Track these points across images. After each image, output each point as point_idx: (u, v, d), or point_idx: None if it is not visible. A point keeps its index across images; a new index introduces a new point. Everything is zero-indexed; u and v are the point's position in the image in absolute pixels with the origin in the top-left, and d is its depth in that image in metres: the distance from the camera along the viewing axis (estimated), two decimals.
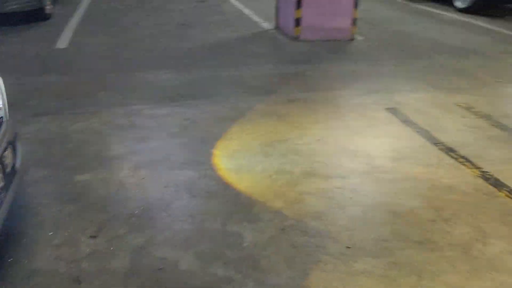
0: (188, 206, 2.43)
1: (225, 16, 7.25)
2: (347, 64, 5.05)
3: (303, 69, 4.79)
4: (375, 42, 5.96)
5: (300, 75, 4.63)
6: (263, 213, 2.38)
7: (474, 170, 2.86)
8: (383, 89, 4.26)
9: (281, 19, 6.25)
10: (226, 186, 2.62)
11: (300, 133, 3.30)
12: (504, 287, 1.92)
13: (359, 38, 6.01)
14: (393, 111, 3.74)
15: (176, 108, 3.69)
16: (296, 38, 5.77)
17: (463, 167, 2.90)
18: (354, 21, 5.85)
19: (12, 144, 2.08)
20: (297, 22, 5.70)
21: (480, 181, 2.74)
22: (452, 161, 2.97)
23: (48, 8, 6.62)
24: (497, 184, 2.70)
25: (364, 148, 3.11)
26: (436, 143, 3.20)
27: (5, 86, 2.17)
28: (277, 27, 6.38)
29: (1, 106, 2.07)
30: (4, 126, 2.03)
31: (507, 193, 2.61)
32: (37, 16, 6.44)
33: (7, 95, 2.16)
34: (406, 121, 3.55)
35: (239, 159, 2.92)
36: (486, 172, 2.83)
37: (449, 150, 3.10)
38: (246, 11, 7.61)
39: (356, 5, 5.74)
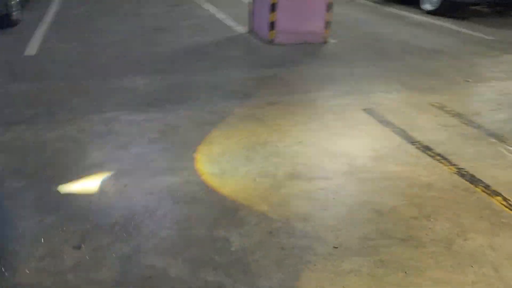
0: (173, 212, 2.40)
1: (199, 20, 7.22)
2: (322, 66, 5.12)
3: (279, 72, 4.82)
4: (348, 45, 6.06)
5: (277, 78, 4.66)
6: (249, 217, 2.38)
7: (451, 167, 2.95)
8: (358, 90, 4.34)
9: (255, 23, 6.28)
10: (210, 191, 2.60)
11: (280, 136, 3.32)
12: (486, 279, 1.99)
13: (332, 41, 6.10)
14: (369, 111, 3.82)
15: (155, 113, 3.65)
16: (270, 42, 5.81)
17: (440, 164, 2.98)
18: (327, 24, 5.94)
19: None
20: (272, 26, 5.73)
21: (457, 177, 2.83)
22: (429, 159, 3.05)
23: (15, 14, 6.42)
24: (473, 180, 2.80)
25: (344, 148, 3.16)
26: (413, 142, 3.28)
27: None
28: (251, 31, 6.40)
29: None
30: None
31: (483, 189, 2.71)
32: (3, 23, 6.24)
33: None
34: (383, 121, 3.63)
35: (221, 163, 2.91)
36: (462, 169, 2.93)
37: (425, 149, 3.18)
38: (220, 15, 7.61)
39: (329, 8, 5.83)
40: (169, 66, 4.90)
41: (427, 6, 8.55)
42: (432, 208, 2.51)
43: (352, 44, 6.12)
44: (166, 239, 2.19)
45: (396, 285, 1.94)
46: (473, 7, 8.98)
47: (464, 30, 7.29)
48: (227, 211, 2.42)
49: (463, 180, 2.79)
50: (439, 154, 3.11)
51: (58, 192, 2.54)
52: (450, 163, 3.00)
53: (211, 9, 8.19)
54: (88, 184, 2.63)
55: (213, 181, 2.71)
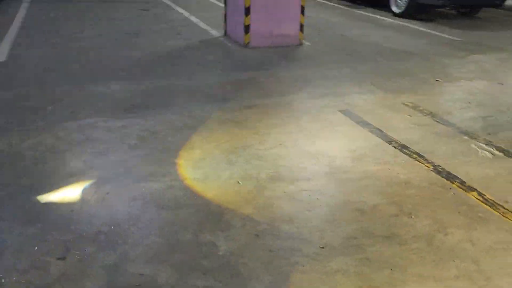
0: (158, 218, 2.38)
1: (172, 24, 7.18)
2: (297, 69, 5.18)
3: (255, 75, 4.85)
4: (322, 47, 6.16)
5: (254, 81, 4.68)
6: (234, 220, 2.39)
7: (427, 165, 3.04)
8: (334, 92, 4.42)
9: (229, 27, 6.29)
10: (194, 196, 2.59)
11: (260, 139, 3.34)
12: (467, 273, 2.07)
13: (306, 43, 6.19)
14: (346, 112, 3.89)
15: (133, 119, 3.61)
16: (246, 45, 5.84)
17: (417, 162, 3.07)
18: (302, 27, 6.02)
19: None
20: (246, 29, 5.76)
21: (434, 175, 2.92)
22: (406, 157, 3.14)
23: None
24: (449, 176, 2.89)
25: (323, 149, 3.21)
26: (390, 141, 3.37)
27: None
28: (226, 35, 6.41)
29: None
30: None
31: (459, 185, 2.80)
32: None
33: None
34: (360, 122, 3.71)
35: (204, 168, 2.91)
36: (438, 166, 3.02)
37: (402, 148, 3.27)
38: (193, 18, 7.59)
39: (303, 11, 5.91)
40: (144, 71, 4.85)
41: (396, 9, 8.79)
42: (411, 205, 2.58)
43: (325, 46, 6.22)
44: (153, 246, 2.17)
45: (383, 282, 1.98)
46: (439, 9, 9.28)
47: (431, 31, 7.53)
48: (212, 215, 2.42)
49: (440, 177, 2.89)
50: (415, 153, 3.20)
51: (37, 202, 2.48)
52: (427, 161, 3.09)
53: (184, 12, 8.16)
54: (68, 193, 2.57)
55: (196, 186, 2.70)
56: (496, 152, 3.27)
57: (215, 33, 6.68)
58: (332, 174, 2.89)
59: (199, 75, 4.76)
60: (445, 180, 2.86)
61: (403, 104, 4.15)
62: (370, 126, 3.62)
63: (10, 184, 2.65)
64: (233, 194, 2.64)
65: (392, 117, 3.85)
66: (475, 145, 3.38)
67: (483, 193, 2.72)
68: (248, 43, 5.83)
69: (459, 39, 7.07)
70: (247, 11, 5.69)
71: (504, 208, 2.58)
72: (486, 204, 2.61)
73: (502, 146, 3.36)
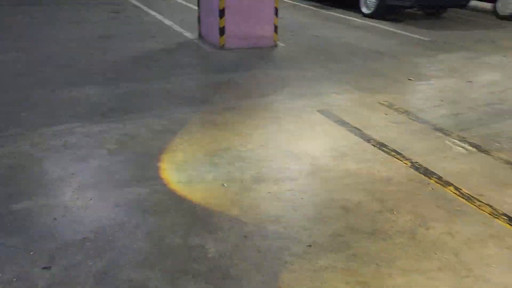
0: (145, 223, 2.36)
1: (146, 27, 7.10)
2: (273, 70, 5.22)
3: (233, 77, 4.86)
4: (296, 48, 6.23)
5: (231, 83, 4.69)
6: (222, 222, 2.39)
7: (405, 161, 3.13)
8: (311, 92, 4.48)
9: (204, 29, 6.28)
10: (179, 199, 2.58)
11: (242, 140, 3.36)
12: (449, 264, 2.14)
13: (281, 44, 6.25)
14: (324, 112, 3.95)
15: (111, 124, 3.55)
16: (221, 47, 5.84)
17: (395, 159, 3.16)
18: (276, 29, 6.07)
19: None
20: (221, 31, 5.77)
21: (412, 171, 3.01)
22: (385, 155, 3.22)
23: None
24: (427, 172, 2.99)
25: (305, 149, 3.25)
26: (369, 139, 3.45)
27: None
28: (201, 37, 6.39)
29: None
30: None
31: (436, 180, 2.90)
32: None
33: None
34: (338, 121, 3.78)
35: (187, 171, 2.90)
36: (416, 162, 3.12)
37: (381, 146, 3.35)
38: (167, 21, 7.52)
39: (276, 13, 5.96)
40: (120, 75, 4.79)
41: (366, 10, 8.98)
42: (393, 201, 2.65)
43: (300, 47, 6.30)
44: (141, 251, 2.15)
45: (371, 277, 2.03)
46: (407, 10, 9.54)
47: (401, 31, 7.74)
48: (199, 218, 2.42)
49: (418, 173, 2.98)
50: (393, 150, 3.29)
51: (18, 211, 2.41)
52: (405, 157, 3.18)
53: (157, 15, 8.09)
54: (49, 201, 2.51)
55: (181, 189, 2.69)
56: (470, 148, 3.39)
57: (190, 35, 6.65)
58: (315, 173, 2.93)
59: (176, 78, 4.73)
60: (423, 176, 2.95)
61: (379, 103, 4.25)
62: (348, 125, 3.69)
63: None
64: (218, 196, 2.64)
65: (369, 116, 3.93)
66: (449, 141, 3.50)
67: (460, 187, 2.83)
68: (224, 45, 5.84)
69: (427, 38, 7.30)
70: (222, 13, 5.69)
71: (480, 201, 2.68)
72: (462, 198, 2.71)
73: (475, 142, 3.50)
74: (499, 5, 9.63)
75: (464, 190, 2.79)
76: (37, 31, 6.68)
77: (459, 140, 3.51)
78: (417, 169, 3.03)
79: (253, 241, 2.25)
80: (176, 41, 6.35)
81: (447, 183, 2.86)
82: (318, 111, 3.99)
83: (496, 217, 2.53)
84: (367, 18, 8.79)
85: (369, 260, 2.15)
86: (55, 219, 2.36)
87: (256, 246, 2.21)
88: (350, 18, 8.81)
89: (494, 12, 9.78)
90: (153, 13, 8.30)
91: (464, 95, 4.65)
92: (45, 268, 2.01)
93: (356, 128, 3.65)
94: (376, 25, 8.23)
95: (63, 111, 3.77)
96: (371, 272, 2.07)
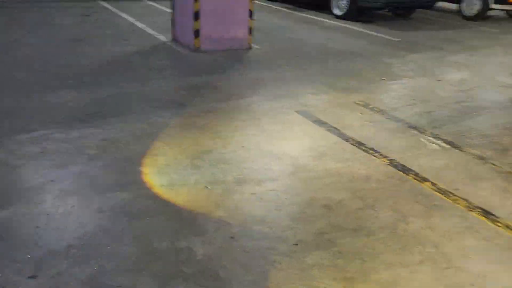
0: (130, 228, 2.35)
1: (118, 30, 7.01)
2: (250, 72, 5.26)
3: (210, 79, 4.87)
4: (271, 50, 6.29)
5: (209, 85, 4.70)
6: (208, 225, 2.41)
7: (383, 159, 3.22)
8: (288, 93, 4.54)
9: (178, 31, 6.25)
10: (164, 203, 2.58)
11: (223, 142, 3.38)
12: (430, 256, 2.23)
13: (256, 46, 6.29)
14: (302, 113, 4.02)
15: (89, 129, 3.50)
16: (196, 50, 5.83)
17: (374, 158, 3.25)
18: (251, 31, 6.11)
19: None
20: (196, 33, 5.76)
21: (390, 168, 3.10)
22: (363, 153, 3.30)
23: None
24: (405, 169, 3.09)
25: (285, 150, 3.30)
26: (347, 139, 3.53)
27: None
28: (175, 39, 6.37)
29: None
30: None
31: (414, 176, 3.00)
32: None
33: None
34: (316, 121, 3.84)
35: (170, 174, 2.90)
36: (393, 160, 3.21)
37: (359, 144, 3.44)
38: (139, 24, 7.45)
39: (251, 15, 6.00)
40: (95, 79, 4.72)
41: (337, 11, 9.14)
42: (374, 198, 2.73)
43: (275, 49, 6.36)
44: (129, 256, 2.14)
45: (357, 272, 2.09)
46: (378, 12, 9.77)
47: (372, 32, 7.92)
48: (185, 221, 2.43)
49: (396, 170, 3.07)
50: (371, 149, 3.37)
51: None
52: (382, 155, 3.27)
53: (128, 18, 7.99)
54: (30, 209, 2.46)
55: (165, 193, 2.68)
56: (443, 144, 3.52)
57: (164, 38, 6.60)
58: (296, 174, 2.98)
59: (153, 81, 4.70)
60: (401, 172, 3.04)
61: (355, 102, 4.35)
62: (326, 125, 3.77)
63: None
64: (202, 198, 2.65)
65: (346, 116, 4.02)
66: (423, 138, 3.62)
67: (436, 182, 2.93)
68: (199, 47, 5.83)
69: (397, 39, 7.50)
70: (196, 15, 5.69)
71: (455, 195, 2.79)
72: (439, 192, 2.82)
73: (448, 139, 3.63)
74: (464, 6, 9.98)
75: (440, 185, 2.90)
76: (5, 34, 6.49)
77: (433, 137, 3.64)
78: (395, 166, 3.13)
79: (240, 242, 2.27)
80: (150, 44, 6.30)
81: (424, 179, 2.97)
82: (296, 111, 4.04)
83: (471, 210, 2.64)
84: (339, 20, 8.95)
85: (354, 256, 2.21)
86: (37, 227, 2.32)
87: (243, 247, 2.24)
88: (323, 19, 8.95)
89: (459, 13, 10.13)
90: (124, 15, 8.20)
91: (435, 93, 4.81)
92: (31, 277, 1.98)
93: (334, 127, 3.73)
94: (348, 26, 8.40)
95: (39, 117, 3.69)
96: (357, 268, 2.13)
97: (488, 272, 2.14)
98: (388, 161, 3.19)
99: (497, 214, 2.60)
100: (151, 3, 9.85)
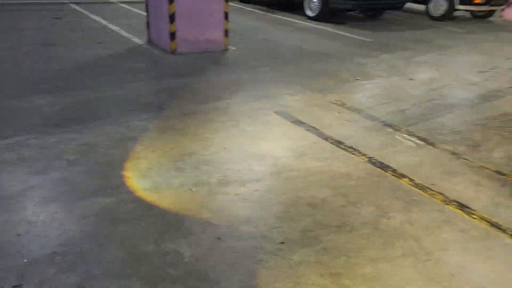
0: (115, 233, 2.33)
1: (91, 33, 6.90)
2: (227, 73, 5.28)
3: (188, 81, 4.86)
4: (247, 51, 6.32)
5: (186, 87, 4.69)
6: (194, 226, 2.41)
7: (362, 157, 3.30)
8: (266, 94, 4.58)
9: (153, 33, 6.21)
10: (149, 206, 2.57)
11: (204, 144, 3.38)
12: (411, 250, 2.31)
13: (232, 48, 6.31)
14: (281, 113, 4.07)
15: (66, 134, 3.45)
16: (172, 52, 5.81)
17: (353, 156, 3.32)
18: (226, 32, 6.13)
19: None
20: (172, 36, 5.74)
21: (369, 166, 3.18)
22: (343, 152, 3.37)
23: None
24: (383, 166, 3.17)
25: (267, 150, 3.33)
26: (326, 138, 3.59)
27: None
28: (150, 42, 6.32)
29: None
30: None
31: (392, 173, 3.09)
32: None
33: None
34: (295, 122, 3.90)
35: (153, 178, 2.88)
36: (372, 157, 3.30)
37: (338, 143, 3.51)
38: (112, 26, 7.35)
39: (226, 17, 6.02)
40: (70, 83, 4.63)
41: (310, 13, 9.27)
42: (355, 195, 2.80)
43: (250, 50, 6.40)
44: (115, 261, 2.12)
45: (342, 268, 2.15)
46: (349, 13, 9.95)
47: (344, 33, 8.07)
48: (171, 224, 2.43)
49: (375, 168, 3.15)
50: (350, 147, 3.45)
51: None
52: (361, 153, 3.36)
53: (101, 20, 7.87)
54: (11, 217, 2.41)
55: (149, 196, 2.67)
56: (418, 141, 3.64)
57: (138, 40, 6.54)
58: (279, 173, 3.02)
59: (130, 84, 4.65)
60: (380, 169, 3.13)
61: (331, 102, 4.43)
62: (305, 125, 3.83)
63: None
64: (187, 201, 2.66)
65: (324, 115, 4.09)
66: (399, 136, 3.73)
67: (413, 178, 3.03)
68: (175, 49, 5.81)
69: (369, 40, 7.66)
70: (172, 18, 5.66)
71: (432, 190, 2.90)
72: (417, 188, 2.91)
73: (422, 136, 3.75)
74: (431, 7, 10.30)
75: (417, 181, 2.99)
76: None
77: (408, 135, 3.75)
78: (373, 163, 3.21)
79: (227, 243, 2.29)
80: (125, 46, 6.23)
81: (402, 175, 3.06)
82: (275, 112, 4.09)
83: (448, 204, 2.74)
84: (311, 21, 9.07)
85: (339, 252, 2.26)
86: (19, 235, 2.27)
87: (231, 247, 2.26)
88: (296, 21, 9.06)
89: (427, 14, 10.44)
90: (97, 18, 8.07)
91: (407, 92, 4.96)
92: (15, 286, 1.94)
93: (313, 127, 3.79)
94: (321, 27, 8.52)
95: (14, 123, 3.60)
96: (342, 264, 2.18)
97: (467, 262, 2.24)
98: (366, 159, 3.27)
99: (472, 207, 2.71)
100: (123, 5, 9.73)
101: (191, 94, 4.50)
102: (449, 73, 5.78)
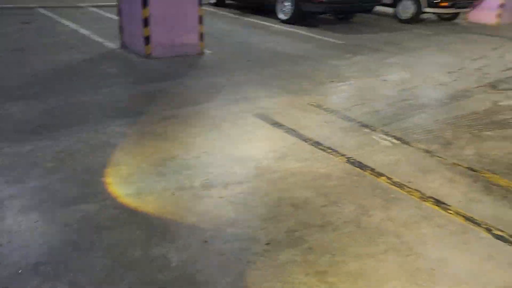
0: (100, 240, 2.31)
1: (62, 38, 6.76)
2: (204, 77, 5.28)
3: (164, 86, 4.84)
4: (223, 55, 6.34)
5: (164, 92, 4.67)
6: (180, 231, 2.42)
7: (341, 157, 3.38)
8: (244, 97, 4.61)
9: (127, 38, 6.14)
10: (132, 212, 2.56)
11: (185, 149, 3.38)
12: (393, 246, 2.38)
13: (208, 51, 6.32)
14: (260, 116, 4.11)
15: (42, 141, 3.38)
16: (147, 56, 5.77)
17: (332, 156, 3.39)
18: (201, 36, 6.13)
19: None
20: (147, 40, 5.69)
21: (348, 165, 3.26)
22: (322, 153, 3.44)
23: None
24: (361, 166, 3.26)
25: (248, 153, 3.36)
26: (305, 139, 3.65)
27: None
28: (124, 46, 6.25)
29: None
30: None
31: (370, 172, 3.17)
32: None
33: None
34: (274, 124, 3.95)
35: (135, 183, 2.87)
36: (350, 157, 3.38)
37: (317, 144, 3.58)
38: (83, 31, 7.22)
39: (201, 21, 6.02)
40: (43, 89, 4.53)
41: (282, 16, 9.36)
42: (336, 195, 2.86)
43: (226, 54, 6.42)
44: (102, 268, 2.10)
45: (328, 266, 2.20)
46: (320, 16, 10.11)
47: (317, 36, 8.20)
48: (156, 229, 2.42)
49: (354, 167, 3.23)
50: (329, 148, 3.52)
51: None
52: (339, 154, 3.43)
53: (71, 25, 7.72)
54: None
55: (132, 202, 2.66)
56: (394, 141, 3.74)
57: (111, 45, 6.46)
58: (261, 175, 3.06)
59: (106, 89, 4.59)
60: (359, 169, 3.21)
61: (309, 104, 4.51)
62: (284, 127, 3.88)
63: None
64: (171, 205, 2.65)
65: (302, 117, 4.16)
66: (375, 136, 3.83)
67: (391, 176, 3.12)
68: (150, 54, 5.77)
69: (342, 42, 7.81)
70: (146, 22, 5.62)
71: (409, 188, 2.99)
72: (395, 186, 3.01)
73: (397, 135, 3.86)
74: (399, 9, 10.58)
75: (395, 179, 3.09)
76: None
77: (384, 134, 3.86)
78: (352, 163, 3.29)
79: (214, 246, 2.31)
80: (98, 51, 6.14)
81: (380, 174, 3.15)
82: (254, 115, 4.13)
83: (425, 200, 2.84)
84: (284, 24, 9.17)
85: (324, 251, 2.31)
86: (0, 245, 2.22)
87: (218, 250, 2.27)
88: (269, 24, 9.13)
89: (395, 16, 10.72)
90: (67, 22, 7.92)
91: (381, 93, 5.09)
92: None
93: (291, 129, 3.84)
94: (294, 30, 8.63)
95: None
96: (328, 262, 2.23)
97: (445, 256, 2.33)
98: (345, 159, 3.35)
99: (447, 203, 2.82)
100: (93, 9, 9.58)
101: (169, 99, 4.49)
102: (419, 74, 5.96)
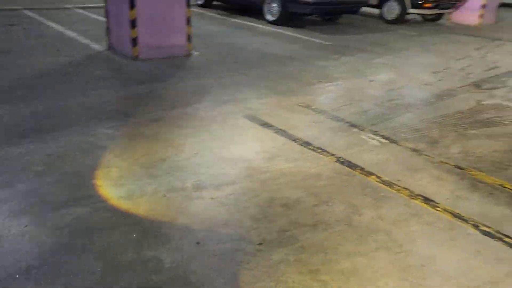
0: (92, 243, 2.30)
1: (48, 40, 6.69)
2: (192, 79, 5.28)
3: (153, 87, 4.82)
4: (211, 56, 6.34)
5: (153, 94, 4.66)
6: (172, 232, 2.42)
7: (331, 157, 3.41)
8: (233, 98, 4.62)
9: (114, 40, 6.11)
10: (124, 215, 2.55)
11: (176, 150, 3.38)
12: (384, 243, 2.42)
13: (195, 53, 6.31)
14: (249, 117, 4.12)
15: (31, 145, 3.34)
16: (135, 58, 5.74)
17: (321, 156, 3.42)
18: (189, 38, 6.12)
19: None
20: (134, 42, 5.67)
21: (338, 165, 3.29)
22: (312, 153, 3.47)
23: None
24: (351, 165, 3.29)
25: (238, 154, 3.38)
26: (295, 139, 3.68)
27: None
28: (111, 48, 6.20)
29: None
30: None
31: (360, 171, 3.21)
32: None
33: None
34: (264, 125, 3.97)
35: (126, 186, 2.86)
36: (340, 157, 3.41)
37: (306, 144, 3.61)
38: (70, 33, 7.15)
39: (189, 22, 6.02)
40: (30, 92, 4.48)
41: (269, 17, 9.40)
42: (327, 194, 2.89)
43: (214, 55, 6.42)
44: (95, 271, 2.10)
45: (320, 265, 2.22)
46: (307, 17, 10.18)
47: (304, 37, 8.25)
48: (149, 231, 2.42)
49: (343, 167, 3.27)
50: (318, 148, 3.55)
51: None
52: (329, 153, 3.46)
53: (57, 27, 7.64)
54: None
55: (123, 204, 2.65)
56: (382, 140, 3.79)
57: (98, 47, 6.41)
58: (252, 176, 3.07)
59: (93, 92, 4.56)
60: (348, 168, 3.25)
61: (297, 105, 4.54)
62: (274, 128, 3.90)
63: None
64: (163, 207, 2.65)
65: (291, 118, 4.19)
66: (364, 135, 3.87)
67: (380, 175, 3.17)
68: (137, 55, 5.74)
69: (329, 43, 7.88)
70: (133, 24, 5.60)
71: (398, 186, 3.04)
72: (384, 184, 3.05)
73: (385, 134, 3.92)
74: (384, 10, 10.71)
75: (384, 178, 3.13)
76: None
77: (372, 134, 3.90)
78: (342, 163, 3.33)
79: (206, 247, 2.32)
80: (84, 53, 6.09)
81: (369, 173, 3.19)
82: (243, 116, 4.14)
83: (414, 198, 2.89)
84: (271, 25, 9.21)
85: (316, 250, 2.34)
86: None
87: (211, 251, 2.28)
88: (256, 25, 9.16)
89: (381, 17, 10.84)
90: (52, 24, 7.83)
91: (368, 93, 5.15)
92: None
93: (281, 129, 3.87)
94: (282, 31, 8.67)
95: None
96: (320, 260, 2.26)
97: (435, 253, 2.37)
98: (335, 159, 3.38)
99: (436, 200, 2.87)
100: (79, 11, 9.49)
101: (158, 100, 4.48)
102: (405, 74, 6.05)
